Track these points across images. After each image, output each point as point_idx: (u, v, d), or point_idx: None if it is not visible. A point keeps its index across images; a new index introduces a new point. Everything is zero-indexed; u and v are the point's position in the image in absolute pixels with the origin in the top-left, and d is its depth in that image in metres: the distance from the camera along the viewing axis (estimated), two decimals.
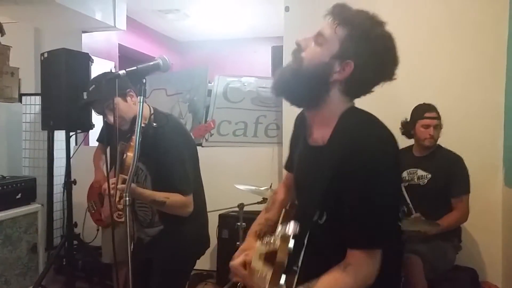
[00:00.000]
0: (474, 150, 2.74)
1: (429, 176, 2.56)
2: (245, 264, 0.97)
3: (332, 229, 1.05)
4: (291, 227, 0.86)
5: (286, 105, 3.27)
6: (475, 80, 2.85)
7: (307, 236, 1.05)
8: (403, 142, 2.72)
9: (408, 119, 2.65)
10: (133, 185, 1.66)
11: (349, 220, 1.01)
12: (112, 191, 1.67)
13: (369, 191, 0.99)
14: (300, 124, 1.25)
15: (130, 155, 1.74)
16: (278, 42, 3.58)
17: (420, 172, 2.60)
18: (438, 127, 2.57)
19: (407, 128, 2.65)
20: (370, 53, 1.04)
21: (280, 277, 0.85)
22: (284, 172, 1.46)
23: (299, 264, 1.02)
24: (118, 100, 1.86)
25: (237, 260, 1.00)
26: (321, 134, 1.11)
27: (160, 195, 1.78)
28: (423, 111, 2.58)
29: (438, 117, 2.56)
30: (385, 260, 1.03)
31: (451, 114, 2.67)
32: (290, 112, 3.38)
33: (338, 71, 1.06)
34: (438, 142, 2.61)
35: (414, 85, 2.94)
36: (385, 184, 1.00)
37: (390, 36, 1.07)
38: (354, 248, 1.01)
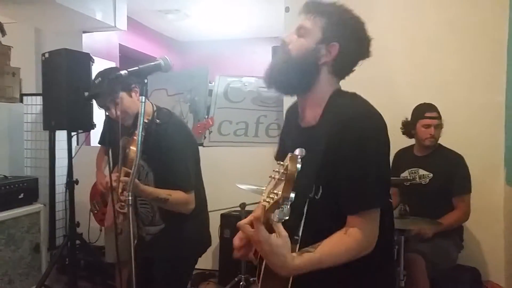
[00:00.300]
0: (475, 149, 2.75)
1: (431, 175, 2.57)
2: (252, 224, 0.97)
3: (329, 203, 1.11)
4: (297, 150, 0.89)
5: (286, 105, 3.27)
6: (476, 80, 2.85)
7: (305, 210, 1.11)
8: (404, 142, 2.72)
9: (409, 119, 2.65)
10: (136, 181, 1.66)
11: (345, 189, 1.08)
12: (115, 184, 1.68)
13: (362, 158, 1.07)
14: (291, 115, 1.33)
15: (133, 149, 1.74)
16: (279, 42, 3.57)
17: (422, 172, 2.60)
18: (439, 126, 2.57)
19: (408, 127, 2.65)
20: (350, 33, 1.16)
21: (291, 188, 0.84)
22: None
23: (300, 234, 1.07)
24: (123, 94, 1.86)
25: (244, 220, 1.01)
26: (313, 115, 1.19)
27: (162, 192, 1.78)
28: (423, 110, 2.58)
29: (439, 117, 2.57)
30: (381, 222, 1.09)
31: (452, 113, 2.68)
32: None
33: (325, 54, 1.16)
34: (439, 142, 2.62)
35: (415, 85, 2.95)
36: (375, 150, 1.09)
37: (360, 18, 1.20)
38: (353, 214, 1.07)
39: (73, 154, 3.09)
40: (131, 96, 1.89)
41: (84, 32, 4.17)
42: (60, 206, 3.54)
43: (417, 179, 2.61)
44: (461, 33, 2.88)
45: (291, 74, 1.16)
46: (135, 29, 5.41)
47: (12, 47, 3.35)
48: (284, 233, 0.96)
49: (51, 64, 3.02)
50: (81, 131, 3.20)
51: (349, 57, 1.18)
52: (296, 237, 1.07)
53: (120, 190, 1.68)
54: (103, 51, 4.64)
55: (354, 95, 1.19)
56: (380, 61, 3.14)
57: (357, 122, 1.08)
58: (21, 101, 3.60)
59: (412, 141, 2.71)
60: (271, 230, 0.95)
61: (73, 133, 3.11)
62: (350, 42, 1.16)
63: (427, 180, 2.57)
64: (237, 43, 6.41)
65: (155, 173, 1.87)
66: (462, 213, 2.51)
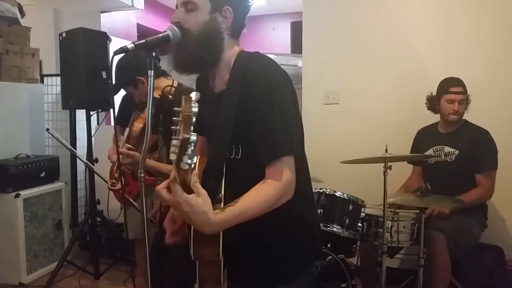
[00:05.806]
0: (502, 125, 2.66)
1: (457, 152, 2.48)
2: (169, 188, 0.96)
3: (249, 161, 1.14)
4: (193, 94, 0.87)
5: (306, 81, 3.20)
6: (504, 54, 2.73)
7: (224, 170, 1.13)
8: (430, 117, 2.64)
9: (434, 94, 2.55)
10: (136, 153, 1.69)
11: (258, 142, 1.11)
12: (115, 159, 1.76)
13: (267, 109, 1.10)
14: (202, 85, 1.35)
15: (136, 124, 1.79)
16: (298, 17, 3.48)
17: (447, 149, 2.51)
18: (465, 102, 2.46)
19: (432, 102, 2.56)
20: None
21: (190, 129, 0.82)
22: None
23: (222, 193, 1.11)
24: (130, 89, 1.95)
25: (160, 185, 0.99)
26: (223, 80, 1.22)
27: (164, 167, 1.81)
28: (448, 85, 2.48)
29: (465, 92, 2.46)
30: (298, 170, 1.12)
31: (480, 88, 2.59)
32: (309, 91, 3.29)
33: (222, 20, 1.18)
34: (466, 117, 2.51)
35: (441, 58, 2.85)
36: (279, 100, 1.11)
37: None
38: (268, 164, 1.09)
39: (93, 133, 3.12)
40: (137, 89, 1.95)
41: (102, 12, 4.16)
42: (81, 184, 3.61)
43: (442, 156, 2.52)
44: (491, 6, 2.74)
45: (201, 51, 1.16)
46: (153, 8, 5.37)
47: (31, 28, 3.37)
48: (202, 191, 0.97)
49: (68, 43, 3.03)
50: (100, 110, 3.22)
51: (242, 15, 1.22)
52: (219, 196, 1.09)
53: (115, 168, 1.73)
54: (122, 31, 4.63)
55: (256, 53, 1.21)
56: (407, 35, 3.03)
57: (259, 76, 1.11)
58: (42, 81, 3.64)
59: (436, 118, 2.62)
60: (189, 190, 0.95)
61: (92, 112, 3.13)
62: (239, 0, 1.20)
63: (453, 157, 2.48)
64: (256, 20, 6.32)
65: (167, 147, 1.89)
66: (485, 190, 2.41)
